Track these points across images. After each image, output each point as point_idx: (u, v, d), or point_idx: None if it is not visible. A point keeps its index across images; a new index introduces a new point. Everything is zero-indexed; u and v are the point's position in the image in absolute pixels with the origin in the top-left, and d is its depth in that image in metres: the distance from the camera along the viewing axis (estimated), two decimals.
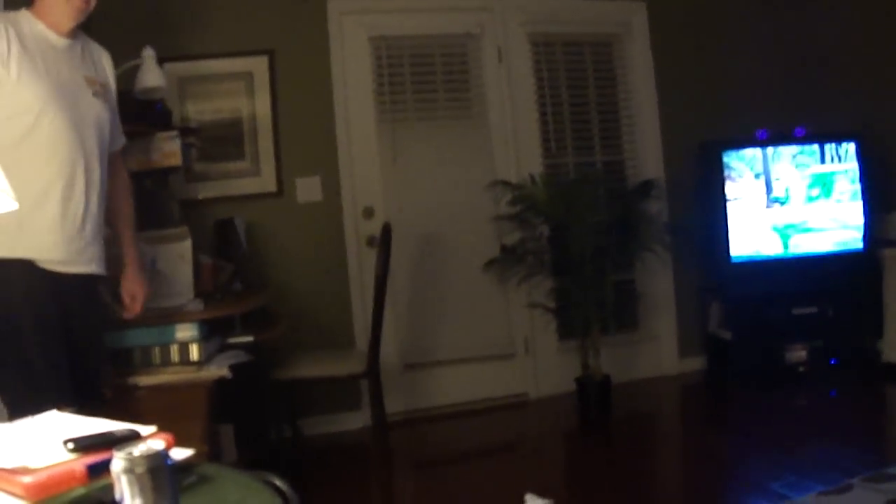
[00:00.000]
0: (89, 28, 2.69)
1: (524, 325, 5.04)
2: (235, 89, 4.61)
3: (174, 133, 3.73)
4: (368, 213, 4.77)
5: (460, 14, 4.95)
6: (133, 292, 2.80)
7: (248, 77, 4.62)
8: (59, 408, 1.68)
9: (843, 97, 5.11)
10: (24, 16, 2.43)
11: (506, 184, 4.82)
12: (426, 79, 4.92)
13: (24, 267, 2.35)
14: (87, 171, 2.47)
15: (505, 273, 4.89)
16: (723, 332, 5.09)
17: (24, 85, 2.31)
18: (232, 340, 3.34)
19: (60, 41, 2.47)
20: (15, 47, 2.31)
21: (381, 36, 4.80)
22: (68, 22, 2.45)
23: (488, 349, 4.97)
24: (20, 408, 1.65)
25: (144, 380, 3.00)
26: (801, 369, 4.89)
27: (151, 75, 3.59)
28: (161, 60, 3.69)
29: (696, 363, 5.32)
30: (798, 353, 4.89)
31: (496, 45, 5.01)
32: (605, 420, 4.57)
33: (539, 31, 5.09)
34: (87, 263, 2.53)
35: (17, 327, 2.33)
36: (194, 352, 3.05)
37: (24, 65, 2.32)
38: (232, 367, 3.13)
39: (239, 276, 3.95)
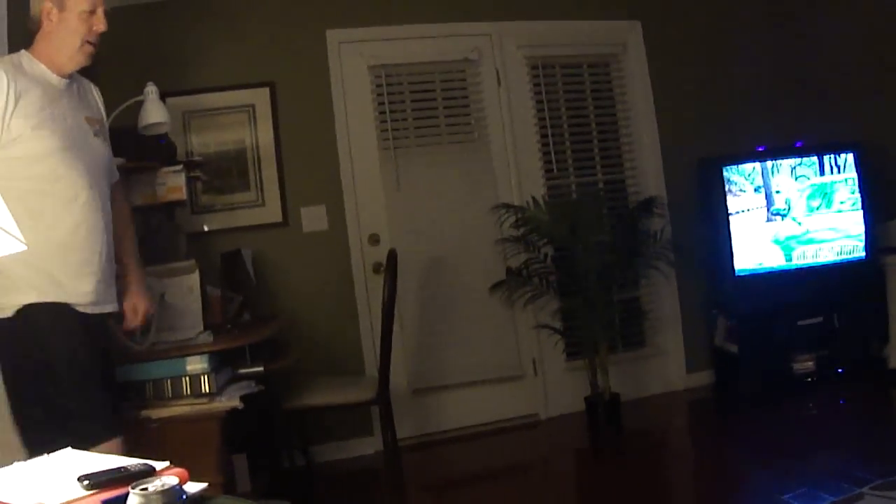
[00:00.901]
0: (93, 66, 2.73)
1: (532, 346, 5.05)
2: (238, 121, 4.67)
3: (179, 167, 3.76)
4: (374, 239, 4.81)
5: (458, 40, 5.00)
6: (135, 305, 2.79)
7: (250, 109, 4.67)
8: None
9: (840, 109, 5.13)
10: (24, 58, 2.44)
11: (509, 206, 4.85)
12: (427, 105, 4.96)
13: (60, 310, 2.37)
14: (104, 212, 2.52)
15: (511, 295, 4.91)
16: (729, 345, 5.09)
17: (37, 134, 2.33)
18: (242, 371, 3.34)
19: (61, 82, 2.49)
20: (21, 95, 2.32)
21: (380, 64, 4.85)
22: (74, 66, 2.49)
23: (497, 371, 4.98)
24: (46, 448, 1.65)
25: (157, 413, 3.01)
26: (809, 379, 4.89)
27: (155, 111, 3.62)
28: (164, 95, 3.73)
29: (703, 378, 5.32)
30: (805, 364, 4.90)
31: (495, 70, 5.06)
32: (616, 438, 4.58)
33: (537, 54, 5.13)
34: (111, 302, 2.59)
35: (52, 369, 2.34)
36: (205, 384, 3.05)
37: (32, 113, 2.33)
38: (243, 398, 3.14)
39: (248, 306, 3.99)
